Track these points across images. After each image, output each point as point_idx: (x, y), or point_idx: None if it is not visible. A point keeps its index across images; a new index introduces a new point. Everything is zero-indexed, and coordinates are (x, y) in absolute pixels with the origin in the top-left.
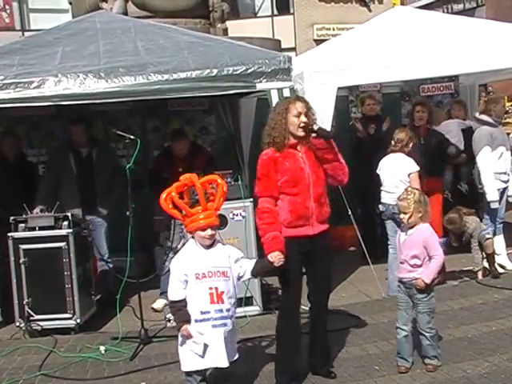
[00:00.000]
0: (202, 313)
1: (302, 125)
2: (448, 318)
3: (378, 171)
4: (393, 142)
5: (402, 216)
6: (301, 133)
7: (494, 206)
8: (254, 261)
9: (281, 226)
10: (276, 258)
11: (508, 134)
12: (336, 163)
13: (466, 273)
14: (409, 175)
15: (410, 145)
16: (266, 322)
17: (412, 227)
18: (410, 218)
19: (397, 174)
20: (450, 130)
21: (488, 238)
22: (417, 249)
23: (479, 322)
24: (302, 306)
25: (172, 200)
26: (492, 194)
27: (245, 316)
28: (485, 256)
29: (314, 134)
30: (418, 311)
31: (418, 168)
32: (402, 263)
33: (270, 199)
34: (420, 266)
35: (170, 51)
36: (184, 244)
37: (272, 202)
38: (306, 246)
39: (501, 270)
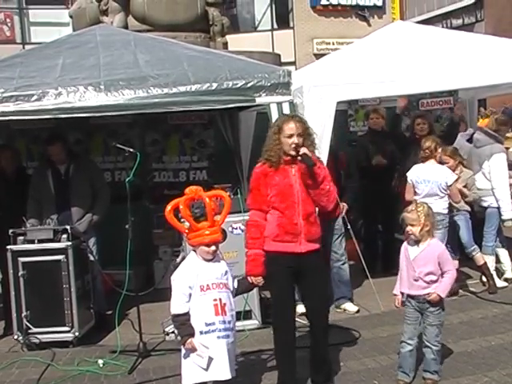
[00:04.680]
0: (207, 324)
1: (293, 146)
2: (447, 332)
3: (409, 179)
4: (421, 152)
5: (409, 229)
6: (293, 152)
7: (509, 224)
8: (237, 280)
9: (264, 240)
10: (256, 281)
11: (507, 148)
12: (317, 190)
13: (465, 287)
14: (449, 186)
15: (440, 150)
16: (264, 335)
17: (418, 241)
18: (420, 230)
19: (435, 184)
20: (460, 144)
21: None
22: (432, 265)
23: (478, 337)
24: (300, 321)
25: (174, 212)
26: (510, 213)
27: (243, 330)
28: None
29: (299, 158)
30: (427, 323)
31: (455, 177)
32: (416, 280)
33: (258, 212)
34: (436, 281)
35: (170, 64)
36: (183, 258)
37: (261, 215)
38: (293, 262)
39: (501, 284)
